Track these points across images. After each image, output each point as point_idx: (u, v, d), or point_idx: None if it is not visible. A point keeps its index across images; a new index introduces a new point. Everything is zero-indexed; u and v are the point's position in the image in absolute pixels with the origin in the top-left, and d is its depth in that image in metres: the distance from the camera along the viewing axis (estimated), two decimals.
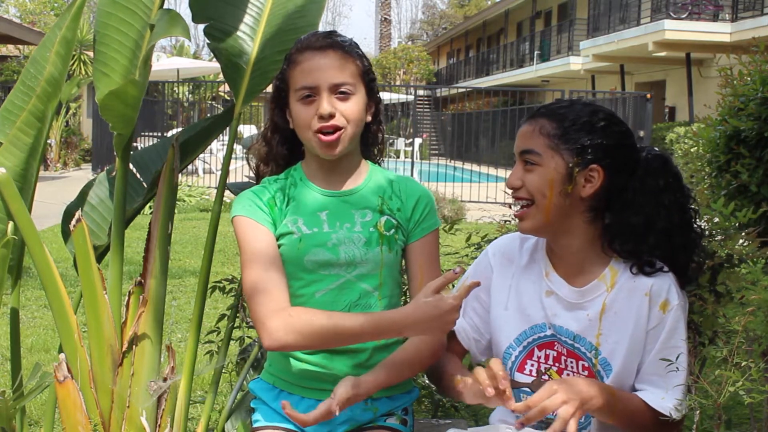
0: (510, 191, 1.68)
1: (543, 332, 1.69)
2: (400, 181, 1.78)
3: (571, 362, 1.66)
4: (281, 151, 1.79)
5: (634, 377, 1.62)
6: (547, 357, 1.68)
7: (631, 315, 1.61)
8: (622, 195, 1.63)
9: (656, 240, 1.63)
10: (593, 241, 1.66)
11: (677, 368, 1.55)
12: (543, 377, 1.67)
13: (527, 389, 1.67)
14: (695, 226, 1.71)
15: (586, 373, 1.64)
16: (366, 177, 1.76)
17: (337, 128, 1.66)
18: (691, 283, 1.73)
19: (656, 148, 1.73)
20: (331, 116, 1.65)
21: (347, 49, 1.70)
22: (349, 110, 1.67)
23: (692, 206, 1.70)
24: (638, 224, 1.62)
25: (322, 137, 1.66)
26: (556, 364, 1.67)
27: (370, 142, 1.80)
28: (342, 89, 1.66)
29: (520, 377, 1.70)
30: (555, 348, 1.68)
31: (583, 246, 1.66)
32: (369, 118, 1.74)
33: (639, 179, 1.64)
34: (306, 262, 1.67)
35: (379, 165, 1.83)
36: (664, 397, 1.55)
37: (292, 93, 1.70)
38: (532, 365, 1.70)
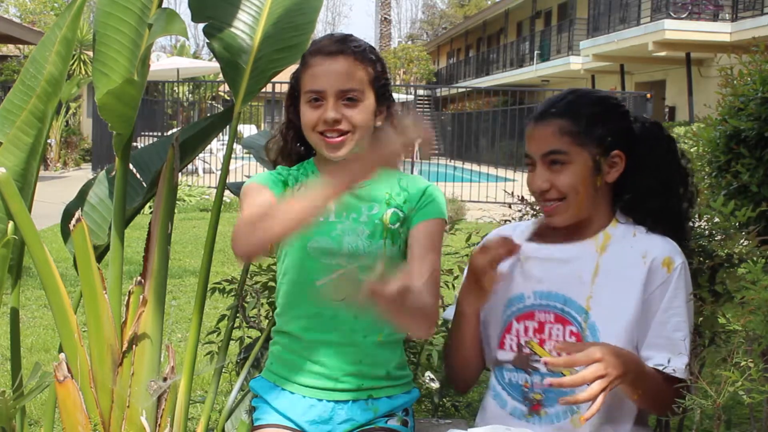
0: (533, 193, 1.72)
1: (522, 303, 1.70)
2: (409, 177, 1.80)
3: (558, 329, 1.66)
4: (296, 148, 1.82)
5: (621, 342, 1.60)
6: (526, 329, 1.69)
7: (625, 278, 1.63)
8: (636, 167, 1.69)
9: (667, 203, 1.70)
10: (606, 214, 1.71)
11: (682, 329, 1.59)
12: (524, 350, 1.68)
13: (510, 366, 1.68)
14: (690, 188, 1.77)
15: (573, 339, 1.64)
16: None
17: (342, 133, 1.68)
18: (687, 239, 1.77)
19: (644, 116, 1.80)
20: (336, 122, 1.67)
21: (358, 55, 1.70)
22: (356, 116, 1.68)
23: (687, 165, 1.77)
24: (653, 189, 1.69)
25: (327, 138, 1.68)
26: (538, 335, 1.67)
27: None
28: (349, 96, 1.68)
29: (501, 354, 1.71)
30: (536, 318, 1.68)
31: (597, 220, 1.70)
32: (379, 123, 1.75)
33: (646, 148, 1.70)
34: (309, 249, 1.69)
35: None
36: (670, 359, 1.56)
37: (302, 95, 1.72)
38: (512, 339, 1.70)
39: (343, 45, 1.71)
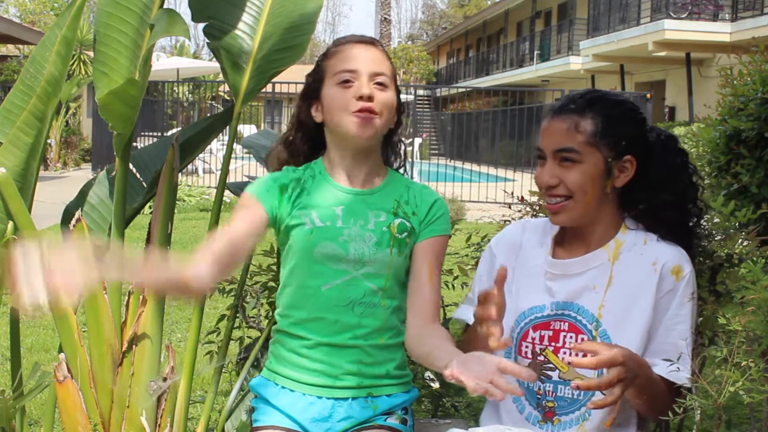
0: (542, 189, 1.71)
1: (541, 312, 1.70)
2: (417, 187, 1.81)
3: (571, 337, 1.67)
4: (303, 148, 1.82)
5: (632, 348, 1.61)
6: (542, 338, 1.69)
7: (636, 286, 1.64)
8: (648, 177, 1.68)
9: (681, 215, 1.70)
10: (614, 220, 1.70)
11: (685, 339, 1.59)
12: (538, 358, 1.69)
13: None
14: (699, 203, 1.77)
15: None
16: (384, 180, 1.79)
17: (373, 112, 1.69)
18: (694, 255, 1.76)
19: (661, 128, 1.79)
20: (371, 99, 1.68)
21: (385, 50, 1.77)
22: (385, 100, 1.71)
23: (698, 182, 1.77)
24: (669, 202, 1.68)
25: (360, 115, 1.68)
26: (553, 344, 1.68)
27: (390, 150, 1.83)
28: (380, 79, 1.70)
29: (519, 360, 1.72)
30: (551, 327, 1.69)
31: (605, 226, 1.70)
32: (392, 124, 1.78)
33: (660, 160, 1.70)
34: (315, 255, 1.69)
35: (399, 172, 1.85)
36: (679, 368, 1.56)
37: (329, 79, 1.72)
38: (527, 347, 1.71)
39: (372, 38, 1.77)
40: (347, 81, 1.69)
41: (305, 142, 1.81)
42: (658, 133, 1.74)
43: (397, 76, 1.84)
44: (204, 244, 1.63)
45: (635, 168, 1.66)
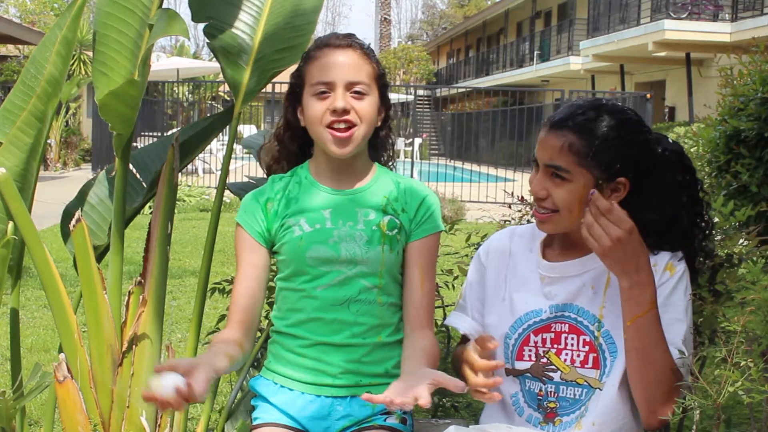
0: (532, 196, 1.68)
1: (538, 316, 1.69)
2: (407, 182, 1.80)
3: (572, 339, 1.66)
4: (292, 149, 1.81)
5: None
6: (544, 341, 1.69)
7: None
8: (640, 196, 1.64)
9: (671, 235, 1.65)
10: None
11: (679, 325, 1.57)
12: (542, 360, 1.69)
13: (528, 375, 1.69)
14: (705, 217, 1.72)
15: (587, 348, 1.64)
16: (372, 178, 1.78)
17: (350, 124, 1.68)
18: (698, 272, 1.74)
19: (670, 140, 1.73)
20: (345, 111, 1.67)
21: (365, 49, 1.73)
22: (363, 109, 1.69)
23: (704, 198, 1.72)
24: (656, 221, 1.64)
25: (335, 132, 1.67)
26: (555, 345, 1.68)
27: (379, 147, 1.82)
28: (357, 88, 1.68)
29: (519, 365, 1.71)
30: (552, 329, 1.68)
31: None
32: (379, 123, 1.76)
33: (656, 177, 1.65)
34: (308, 259, 1.69)
35: (390, 169, 1.84)
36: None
37: (307, 88, 1.71)
38: (530, 350, 1.70)
39: (350, 39, 1.73)
40: (323, 92, 1.68)
41: (293, 142, 1.80)
42: (665, 146, 1.69)
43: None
44: (230, 313, 1.72)
45: (628, 189, 1.62)
